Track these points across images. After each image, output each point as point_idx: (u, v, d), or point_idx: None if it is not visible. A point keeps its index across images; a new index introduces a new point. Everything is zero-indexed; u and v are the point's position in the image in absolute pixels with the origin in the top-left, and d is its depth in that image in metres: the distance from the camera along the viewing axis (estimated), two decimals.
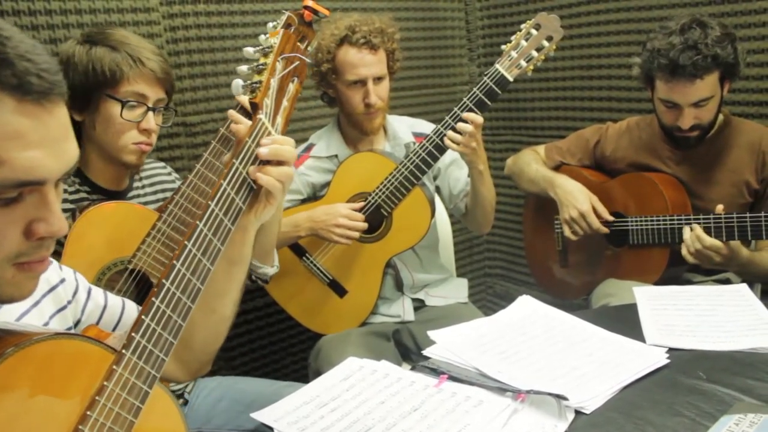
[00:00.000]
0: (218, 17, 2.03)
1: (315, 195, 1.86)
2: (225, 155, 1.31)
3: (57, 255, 1.29)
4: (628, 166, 1.89)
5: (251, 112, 0.98)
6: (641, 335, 1.25)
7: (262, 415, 1.06)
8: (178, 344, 0.83)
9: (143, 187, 1.54)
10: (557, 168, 2.02)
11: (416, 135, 1.92)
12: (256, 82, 0.98)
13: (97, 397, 0.74)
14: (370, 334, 1.81)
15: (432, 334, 1.27)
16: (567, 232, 1.87)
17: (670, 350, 1.18)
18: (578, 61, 2.43)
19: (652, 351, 1.18)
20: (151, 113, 1.40)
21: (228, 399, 1.52)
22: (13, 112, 0.63)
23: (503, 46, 1.69)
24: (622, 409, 1.02)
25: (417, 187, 1.73)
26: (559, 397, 1.01)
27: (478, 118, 1.64)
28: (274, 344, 2.31)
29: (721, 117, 1.75)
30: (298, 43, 1.07)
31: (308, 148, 1.88)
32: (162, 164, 1.64)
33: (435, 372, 1.14)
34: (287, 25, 1.07)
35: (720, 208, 1.59)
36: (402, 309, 1.89)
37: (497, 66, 1.66)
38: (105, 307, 1.05)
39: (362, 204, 1.76)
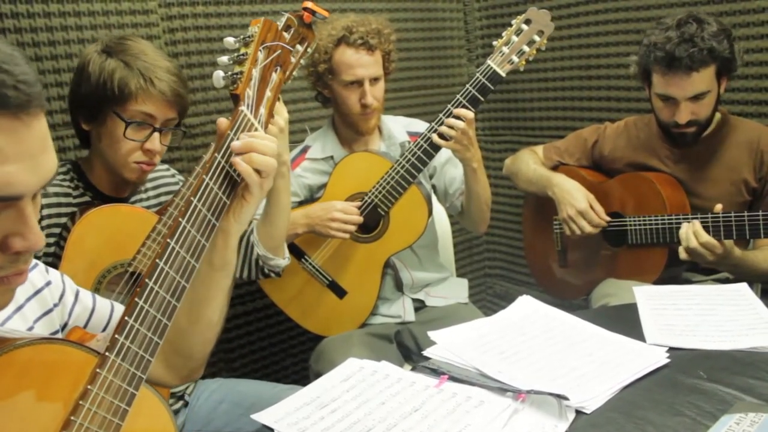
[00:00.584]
0: (217, 19, 2.03)
1: (312, 197, 1.86)
2: None
3: (57, 257, 1.30)
4: (626, 165, 1.89)
5: (233, 103, 0.96)
6: (641, 335, 1.25)
7: (262, 417, 1.06)
8: (167, 350, 0.82)
9: (146, 190, 1.53)
10: (555, 168, 2.02)
11: (411, 134, 1.92)
12: (237, 73, 0.95)
13: (81, 402, 0.72)
14: (372, 336, 1.81)
15: (432, 334, 1.27)
16: (567, 230, 1.87)
17: (671, 350, 1.18)
18: (577, 61, 2.43)
19: (653, 351, 1.18)
20: (157, 134, 1.37)
21: (228, 401, 1.52)
22: None
23: (494, 42, 1.69)
24: (622, 408, 1.02)
25: (413, 185, 1.73)
26: (560, 397, 1.01)
27: (469, 114, 1.64)
28: (274, 346, 2.31)
29: (718, 115, 1.75)
30: (283, 33, 1.04)
31: (304, 150, 1.88)
32: (165, 166, 1.64)
33: (435, 372, 1.14)
34: (287, 27, 1.06)
35: (719, 207, 1.59)
36: (402, 309, 1.89)
37: (489, 62, 1.67)
38: (93, 309, 1.03)
39: (359, 204, 1.76)
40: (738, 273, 1.67)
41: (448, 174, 1.92)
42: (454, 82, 2.72)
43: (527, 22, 1.68)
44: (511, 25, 1.70)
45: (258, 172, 0.90)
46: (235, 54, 0.97)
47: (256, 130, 0.94)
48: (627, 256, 1.84)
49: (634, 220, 1.79)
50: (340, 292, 1.84)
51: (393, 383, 1.12)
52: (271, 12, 2.13)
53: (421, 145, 1.69)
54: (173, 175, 1.63)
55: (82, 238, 1.28)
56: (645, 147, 1.86)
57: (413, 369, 1.19)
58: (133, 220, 1.37)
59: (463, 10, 2.73)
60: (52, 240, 1.33)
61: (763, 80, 1.94)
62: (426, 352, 1.22)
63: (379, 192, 1.74)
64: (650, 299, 1.41)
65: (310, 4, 1.10)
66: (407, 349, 1.88)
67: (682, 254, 1.61)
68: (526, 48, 1.68)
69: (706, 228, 1.59)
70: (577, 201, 1.84)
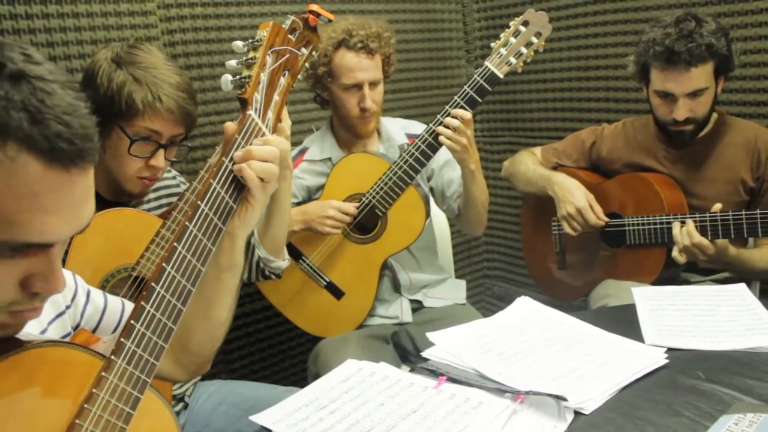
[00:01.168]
0: (215, 20, 2.03)
1: (310, 198, 1.86)
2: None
3: (61, 262, 1.29)
4: (624, 166, 1.89)
5: (241, 107, 0.95)
6: (640, 335, 1.25)
7: (261, 418, 1.06)
8: (176, 347, 0.82)
9: (148, 193, 1.53)
10: (553, 170, 2.02)
11: (409, 136, 1.92)
12: (245, 77, 0.95)
13: (86, 405, 0.72)
14: (369, 337, 1.81)
15: (431, 335, 1.26)
16: (566, 228, 1.87)
17: (669, 350, 1.18)
18: (575, 63, 2.44)
19: (651, 351, 1.18)
20: (162, 150, 1.36)
21: (227, 403, 1.52)
22: (37, 175, 0.60)
23: (492, 44, 1.70)
24: (621, 409, 1.02)
25: (411, 186, 1.73)
26: (559, 398, 1.01)
27: (467, 114, 1.64)
28: (272, 347, 2.30)
29: (715, 116, 1.76)
30: (290, 36, 1.03)
31: (302, 152, 1.88)
32: (167, 169, 1.63)
33: (434, 373, 1.14)
34: (292, 30, 1.05)
35: (718, 206, 1.59)
36: (400, 310, 1.89)
37: (487, 63, 1.67)
38: (105, 309, 1.04)
39: (356, 204, 1.76)
40: (735, 271, 1.68)
41: (446, 176, 1.92)
42: (453, 84, 2.72)
43: (525, 23, 1.69)
44: (509, 27, 1.70)
45: (260, 177, 0.91)
46: (244, 58, 0.97)
47: (263, 134, 0.94)
48: (625, 256, 1.84)
49: (633, 221, 1.79)
50: (338, 293, 1.84)
51: (392, 384, 1.12)
52: (269, 13, 2.13)
53: (419, 147, 1.69)
54: (174, 177, 1.62)
55: (85, 242, 1.27)
56: (643, 148, 1.86)
57: (412, 370, 1.19)
58: (137, 224, 1.36)
59: (462, 12, 2.73)
60: None
61: (761, 81, 1.94)
62: (425, 353, 1.22)
63: (377, 193, 1.74)
64: (649, 300, 1.41)
65: (315, 7, 1.10)
66: (404, 350, 1.88)
67: (674, 253, 1.62)
68: (523, 50, 1.68)
69: (704, 228, 1.60)
70: (576, 199, 1.84)
